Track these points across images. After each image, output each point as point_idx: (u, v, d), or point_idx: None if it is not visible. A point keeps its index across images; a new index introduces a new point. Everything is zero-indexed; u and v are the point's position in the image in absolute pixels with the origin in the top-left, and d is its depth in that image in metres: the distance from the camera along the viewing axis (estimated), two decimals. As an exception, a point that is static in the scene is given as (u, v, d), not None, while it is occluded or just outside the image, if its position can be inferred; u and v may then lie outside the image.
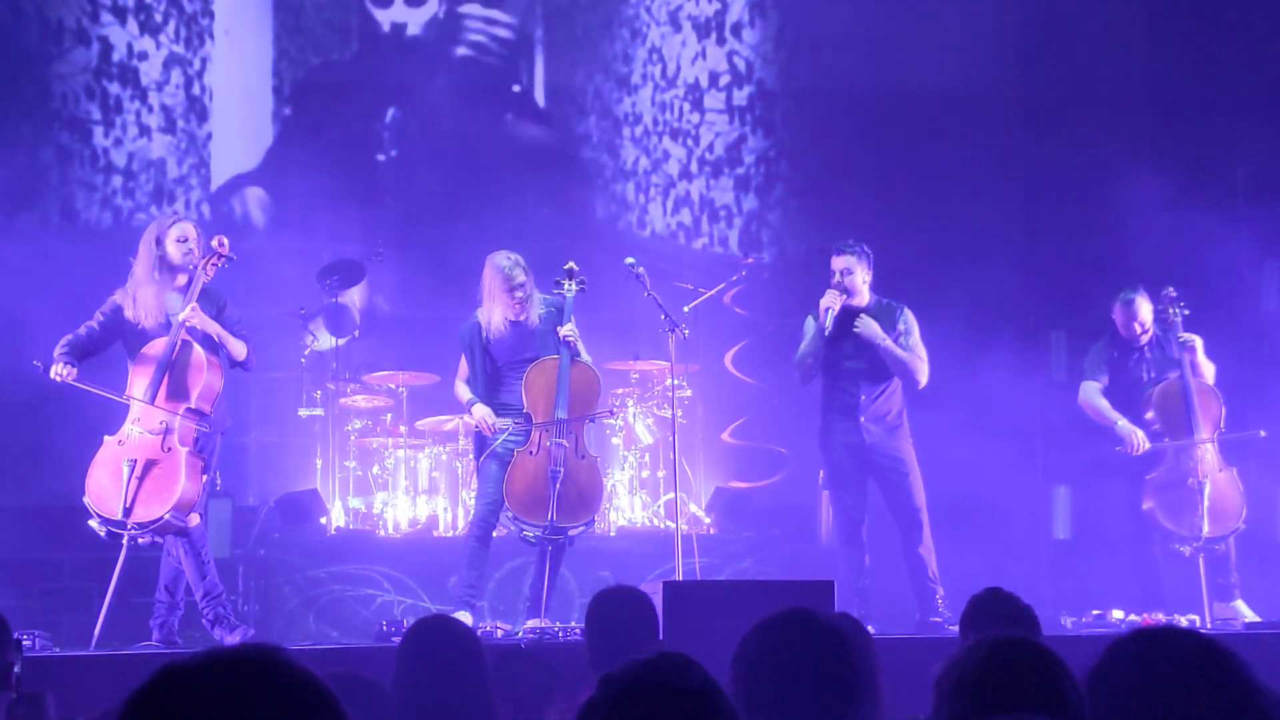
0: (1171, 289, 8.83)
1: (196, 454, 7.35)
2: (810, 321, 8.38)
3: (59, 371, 7.33)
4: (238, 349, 7.52)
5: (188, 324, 7.32)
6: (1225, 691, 2.53)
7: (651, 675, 2.23)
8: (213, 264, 7.48)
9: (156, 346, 7.37)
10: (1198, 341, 8.73)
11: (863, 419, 8.29)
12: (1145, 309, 8.75)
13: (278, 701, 1.67)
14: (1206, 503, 8.50)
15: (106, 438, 7.38)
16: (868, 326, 8.26)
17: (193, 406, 7.34)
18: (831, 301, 8.24)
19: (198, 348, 7.38)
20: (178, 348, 7.33)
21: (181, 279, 7.51)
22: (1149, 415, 8.71)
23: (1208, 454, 8.64)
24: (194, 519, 7.30)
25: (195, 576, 7.36)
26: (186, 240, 7.48)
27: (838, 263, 8.33)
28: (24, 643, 4.48)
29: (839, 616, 3.30)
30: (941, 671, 2.81)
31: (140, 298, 7.46)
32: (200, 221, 10.37)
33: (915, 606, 8.30)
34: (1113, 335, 8.89)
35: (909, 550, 8.30)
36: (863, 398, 8.30)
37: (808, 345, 8.32)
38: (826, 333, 8.22)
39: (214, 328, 7.45)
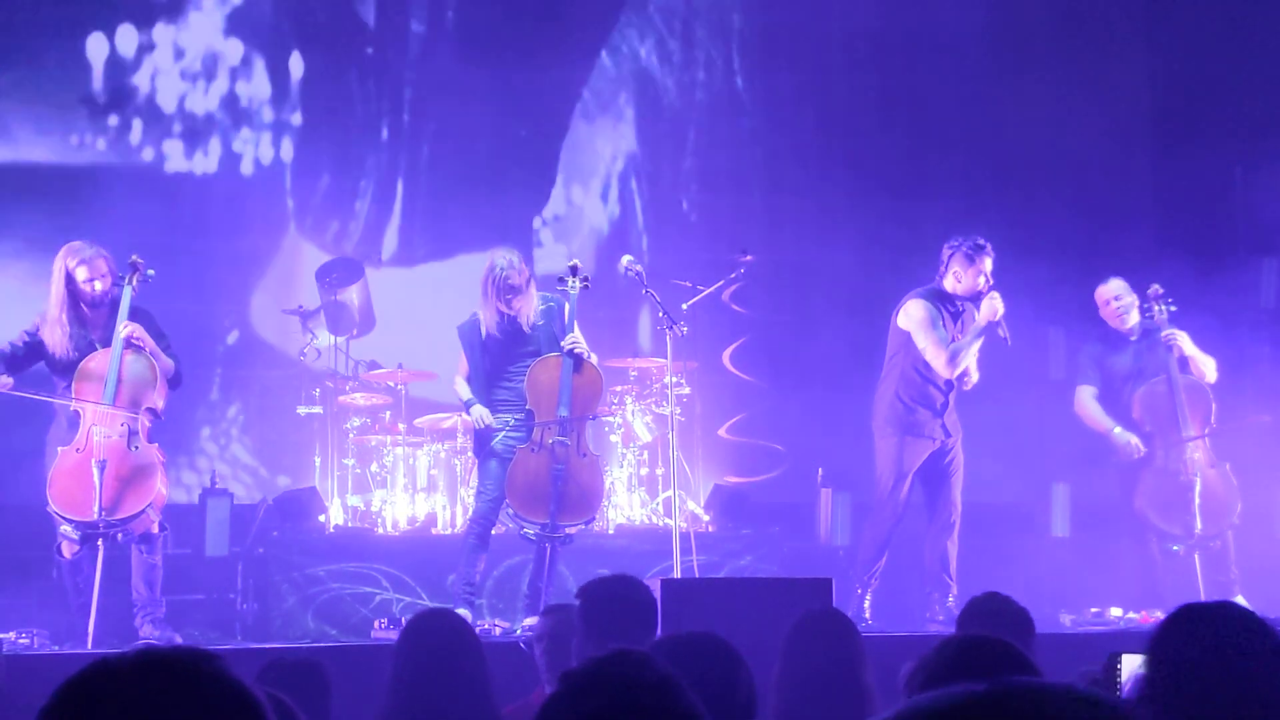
0: (1158, 285, 8.80)
1: (160, 450, 7.55)
2: (929, 306, 8.16)
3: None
4: (168, 366, 7.62)
5: (130, 338, 7.41)
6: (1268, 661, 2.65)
7: (611, 670, 2.24)
8: (139, 279, 7.57)
9: (99, 358, 7.46)
10: (1183, 337, 8.67)
11: (946, 415, 8.27)
12: (1112, 288, 8.72)
13: (202, 706, 1.67)
14: (1197, 500, 8.49)
15: (61, 448, 7.49)
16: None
17: (149, 406, 7.51)
18: (1001, 306, 8.05)
19: (142, 350, 7.51)
20: (124, 358, 7.43)
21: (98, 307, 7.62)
22: (1136, 416, 8.71)
23: (1197, 451, 8.61)
24: (155, 516, 7.43)
25: (144, 581, 7.49)
26: (93, 281, 7.51)
27: (989, 264, 8.13)
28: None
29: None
30: (911, 670, 2.84)
31: (53, 333, 7.53)
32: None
33: (927, 601, 8.24)
34: (1103, 333, 8.89)
35: (938, 543, 8.25)
36: (948, 391, 8.28)
37: (970, 339, 8.11)
38: (1010, 343, 8.02)
39: (150, 344, 7.55)
